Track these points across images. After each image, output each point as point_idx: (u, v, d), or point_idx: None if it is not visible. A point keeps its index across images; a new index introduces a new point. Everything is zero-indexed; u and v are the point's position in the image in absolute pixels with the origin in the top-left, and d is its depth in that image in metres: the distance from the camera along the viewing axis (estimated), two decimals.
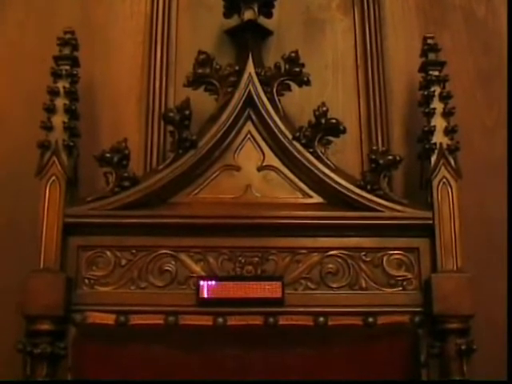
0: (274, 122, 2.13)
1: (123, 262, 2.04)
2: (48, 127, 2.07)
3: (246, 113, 2.17)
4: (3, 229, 2.23)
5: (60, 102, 2.10)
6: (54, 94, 2.10)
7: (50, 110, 2.09)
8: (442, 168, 2.09)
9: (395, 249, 2.07)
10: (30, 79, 2.35)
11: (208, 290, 2.00)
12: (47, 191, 2.03)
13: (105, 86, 2.39)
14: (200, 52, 2.19)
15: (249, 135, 2.17)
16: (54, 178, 2.04)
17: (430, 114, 2.13)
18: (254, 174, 2.15)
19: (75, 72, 2.14)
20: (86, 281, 2.02)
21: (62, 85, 2.11)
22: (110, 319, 1.99)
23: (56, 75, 2.12)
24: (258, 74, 2.17)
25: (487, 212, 2.31)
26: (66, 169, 2.05)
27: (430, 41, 2.22)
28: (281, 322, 2.00)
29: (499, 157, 2.36)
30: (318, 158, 2.11)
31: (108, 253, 2.04)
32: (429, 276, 2.01)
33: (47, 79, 2.13)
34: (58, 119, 2.08)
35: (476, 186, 2.28)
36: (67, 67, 2.13)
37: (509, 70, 2.46)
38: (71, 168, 2.08)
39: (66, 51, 2.15)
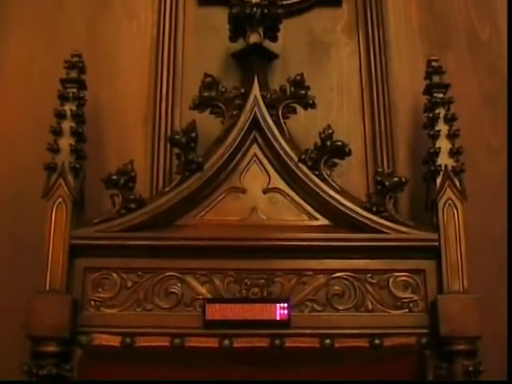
0: (280, 145, 2.18)
1: (129, 283, 2.07)
2: (55, 149, 2.12)
3: (251, 135, 2.22)
4: (10, 250, 2.28)
5: (67, 125, 2.15)
6: (61, 117, 2.16)
7: (57, 132, 2.14)
8: (448, 190, 2.13)
9: (401, 270, 2.10)
10: (38, 102, 2.41)
11: (214, 312, 2.03)
12: (54, 213, 2.08)
13: (111, 108, 2.44)
14: (206, 75, 2.25)
15: (254, 157, 2.22)
16: (60, 199, 2.09)
17: (435, 136, 2.18)
18: (259, 197, 2.19)
19: (82, 95, 2.20)
20: (92, 302, 2.06)
21: (68, 107, 2.16)
22: (115, 341, 2.02)
23: (63, 98, 2.18)
24: (263, 97, 2.22)
25: (493, 232, 2.34)
26: (72, 191, 2.09)
27: (434, 63, 2.27)
28: (287, 344, 2.03)
29: (504, 178, 2.40)
30: (323, 180, 2.16)
31: (114, 275, 2.08)
32: (435, 297, 2.04)
33: (54, 102, 2.18)
34: (65, 141, 2.13)
35: (482, 207, 2.32)
36: (74, 90, 2.19)
37: (509, 92, 2.52)
38: (77, 190, 2.12)
39: (73, 74, 2.21)
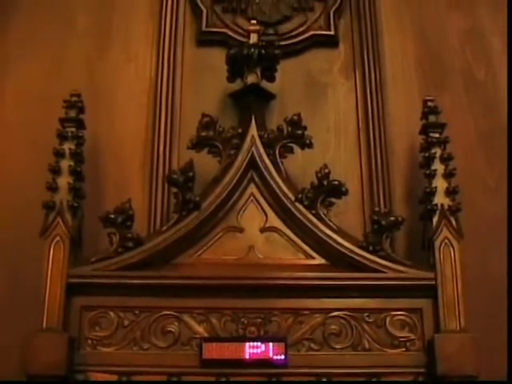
0: (277, 184, 2.24)
1: (126, 322, 2.11)
2: (53, 188, 2.18)
3: (248, 175, 2.28)
4: (7, 287, 2.32)
5: (65, 164, 2.21)
6: (60, 156, 2.22)
7: (56, 171, 2.19)
8: (444, 229, 2.18)
9: (398, 309, 2.14)
10: (37, 140, 2.48)
11: (211, 351, 2.07)
12: (51, 251, 2.13)
13: (110, 147, 2.51)
14: (204, 115, 2.32)
15: (252, 197, 2.28)
16: (58, 238, 2.14)
17: (432, 176, 2.24)
18: (256, 236, 2.24)
19: (81, 134, 2.26)
20: (89, 341, 2.10)
21: (67, 146, 2.23)
22: (112, 380, 2.05)
23: (62, 137, 2.24)
24: (260, 137, 2.29)
25: (490, 271, 2.39)
26: (70, 229, 2.15)
27: (430, 103, 2.34)
28: None
29: (501, 216, 2.45)
30: (320, 219, 2.21)
31: (111, 313, 2.12)
32: (432, 336, 2.08)
33: (53, 140, 2.25)
34: (63, 180, 2.19)
35: (478, 245, 2.37)
36: (73, 129, 2.26)
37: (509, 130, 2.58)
38: (75, 228, 2.17)
39: (72, 114, 2.28)
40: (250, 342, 2.08)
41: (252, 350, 2.07)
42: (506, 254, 2.39)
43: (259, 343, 2.08)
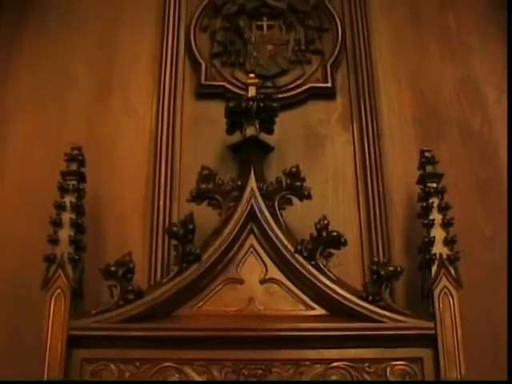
0: (276, 236, 2.32)
1: (127, 374, 2.16)
2: (54, 240, 2.24)
3: (248, 227, 2.36)
4: (8, 340, 2.36)
5: (66, 216, 2.28)
6: (61, 209, 2.29)
7: (57, 223, 2.26)
8: (443, 278, 2.24)
9: (398, 359, 2.19)
10: (38, 193, 2.56)
11: None
12: (52, 304, 2.18)
13: (110, 200, 2.60)
14: (203, 167, 2.41)
15: (251, 249, 2.35)
16: (59, 290, 2.19)
17: (430, 225, 2.31)
18: (256, 287, 2.30)
19: (82, 187, 2.34)
20: None
21: (68, 199, 2.30)
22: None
23: (63, 190, 2.32)
24: (259, 189, 2.38)
25: (490, 319, 2.44)
26: (71, 282, 2.21)
27: (427, 154, 2.43)
28: None
29: (499, 265, 2.52)
30: (319, 270, 2.28)
31: (112, 365, 2.17)
32: None
33: (54, 193, 2.32)
34: (64, 233, 2.25)
35: (477, 294, 2.43)
36: (74, 182, 2.33)
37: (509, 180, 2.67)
38: (76, 281, 2.23)
39: (73, 167, 2.36)
40: None
41: None
42: (507, 302, 2.44)
43: None
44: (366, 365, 2.19)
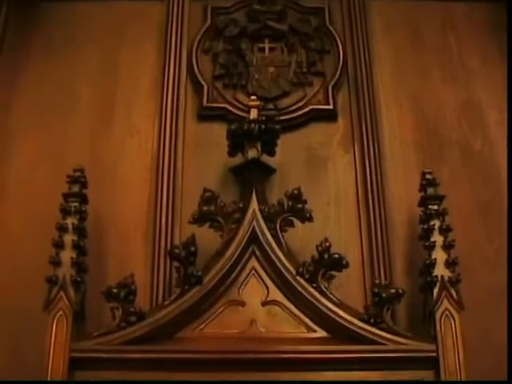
0: (278, 258, 2.34)
1: None
2: (56, 262, 2.27)
3: (250, 249, 2.38)
4: (10, 361, 2.38)
5: (68, 238, 2.30)
6: (63, 230, 2.31)
7: (59, 245, 2.29)
8: (445, 300, 2.26)
9: (400, 382, 2.20)
10: (40, 214, 2.59)
11: None
12: (54, 325, 2.20)
13: (112, 221, 2.63)
14: (205, 190, 2.44)
15: (253, 271, 2.37)
16: (61, 312, 2.21)
17: (431, 247, 2.33)
18: (258, 309, 2.32)
19: (84, 209, 2.37)
20: None
21: (70, 221, 2.32)
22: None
23: (65, 212, 2.34)
24: (261, 211, 2.40)
25: (492, 340, 2.45)
26: (73, 304, 2.23)
27: (428, 176, 2.46)
28: None
29: (501, 287, 2.54)
30: (321, 292, 2.30)
31: None
32: None
33: (56, 214, 2.35)
34: (67, 255, 2.28)
35: (479, 315, 2.44)
36: (76, 204, 2.36)
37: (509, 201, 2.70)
38: (78, 303, 2.25)
39: (75, 189, 2.39)
40: None
41: None
42: (507, 324, 2.47)
43: None
44: None
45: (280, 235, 2.39)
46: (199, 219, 2.40)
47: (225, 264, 2.33)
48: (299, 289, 2.30)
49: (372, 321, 2.25)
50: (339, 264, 2.33)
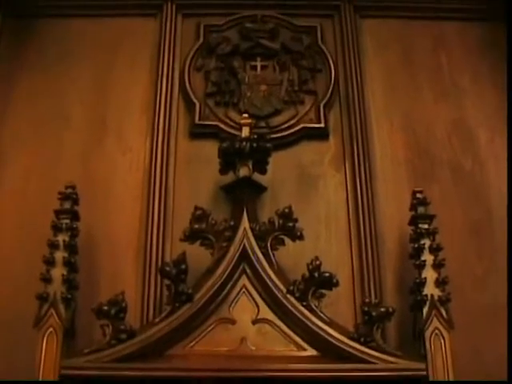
0: (269, 276, 2.35)
1: None
2: (47, 279, 2.27)
3: (240, 267, 2.39)
4: (0, 377, 2.36)
5: (59, 255, 2.31)
6: (54, 247, 2.32)
7: (50, 262, 2.29)
8: (434, 319, 2.27)
9: None
10: (32, 231, 2.61)
11: None
12: (44, 342, 2.21)
13: (103, 239, 2.64)
14: (196, 208, 2.46)
15: (244, 289, 2.38)
16: (51, 329, 2.22)
17: (421, 266, 2.35)
18: (248, 327, 2.33)
19: (75, 226, 2.38)
20: None
21: (61, 238, 2.34)
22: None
23: (56, 228, 2.35)
24: (252, 229, 2.41)
25: (482, 358, 2.46)
26: (63, 321, 2.24)
27: (418, 195, 2.48)
28: None
29: (491, 304, 2.56)
30: (311, 311, 2.31)
31: None
32: None
33: (48, 231, 2.36)
34: (57, 272, 2.29)
35: (469, 334, 2.46)
36: (67, 221, 2.37)
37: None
38: (68, 320, 2.26)
39: (67, 205, 2.40)
40: None
41: None
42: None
43: None
44: None
45: (271, 253, 2.41)
46: (190, 237, 2.42)
47: (215, 282, 2.34)
48: (289, 307, 2.31)
49: (362, 339, 2.26)
50: (329, 282, 2.34)
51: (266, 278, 2.35)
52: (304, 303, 2.31)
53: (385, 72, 3.09)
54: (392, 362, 2.24)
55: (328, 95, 2.98)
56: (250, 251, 2.38)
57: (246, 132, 2.63)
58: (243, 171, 2.55)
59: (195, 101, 2.94)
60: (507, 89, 2.91)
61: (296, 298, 2.32)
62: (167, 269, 2.33)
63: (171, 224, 2.68)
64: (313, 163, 2.85)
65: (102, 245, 2.62)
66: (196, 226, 2.42)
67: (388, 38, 3.18)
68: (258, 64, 3.07)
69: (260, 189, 2.61)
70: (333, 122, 2.95)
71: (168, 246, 2.63)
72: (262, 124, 2.89)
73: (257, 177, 2.59)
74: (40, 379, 2.16)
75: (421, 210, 2.45)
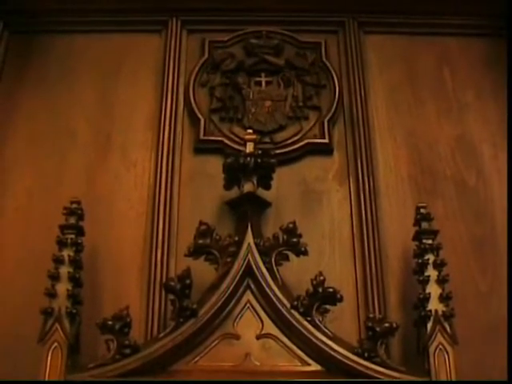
0: (273, 292, 2.37)
1: None
2: (52, 294, 2.30)
3: (245, 282, 2.42)
4: None
5: (64, 270, 2.34)
6: (59, 262, 2.35)
7: (55, 277, 2.32)
8: (438, 335, 2.29)
9: None
10: (36, 246, 2.64)
11: None
12: (49, 357, 2.23)
13: (108, 254, 2.67)
14: (201, 223, 2.48)
15: (248, 304, 2.40)
16: (56, 344, 2.24)
17: (425, 282, 2.37)
18: (253, 343, 2.35)
19: (80, 241, 2.41)
20: None
21: (66, 253, 2.36)
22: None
23: (61, 243, 2.39)
24: (256, 245, 2.44)
25: (486, 374, 2.46)
26: (68, 336, 2.26)
27: (422, 210, 2.50)
28: None
29: (495, 320, 2.58)
30: (315, 326, 2.33)
31: None
32: None
33: (52, 246, 2.39)
34: (62, 287, 2.31)
35: (474, 349, 2.48)
36: (72, 236, 2.40)
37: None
38: (73, 335, 2.28)
39: (72, 220, 2.43)
40: None
41: None
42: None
43: None
44: None
45: (275, 269, 2.43)
46: (195, 252, 2.44)
47: (220, 297, 2.36)
48: (294, 322, 2.33)
49: (366, 355, 2.28)
50: (333, 298, 2.36)
51: (270, 293, 2.37)
52: (308, 318, 2.33)
53: (388, 88, 3.13)
54: (396, 378, 2.25)
55: (332, 111, 3.02)
56: (254, 266, 2.41)
57: (250, 148, 2.65)
58: (247, 187, 2.57)
59: (200, 116, 2.98)
60: (507, 105, 2.95)
61: (300, 314, 2.34)
62: (172, 284, 2.35)
63: (176, 239, 2.70)
64: (317, 179, 2.89)
65: (106, 260, 2.65)
66: (200, 242, 2.44)
67: (392, 53, 3.23)
68: (263, 80, 3.11)
69: (264, 204, 2.63)
70: (337, 137, 2.98)
71: (172, 261, 2.66)
72: (267, 140, 2.92)
73: (261, 192, 2.62)
74: None
75: (424, 225, 2.47)
